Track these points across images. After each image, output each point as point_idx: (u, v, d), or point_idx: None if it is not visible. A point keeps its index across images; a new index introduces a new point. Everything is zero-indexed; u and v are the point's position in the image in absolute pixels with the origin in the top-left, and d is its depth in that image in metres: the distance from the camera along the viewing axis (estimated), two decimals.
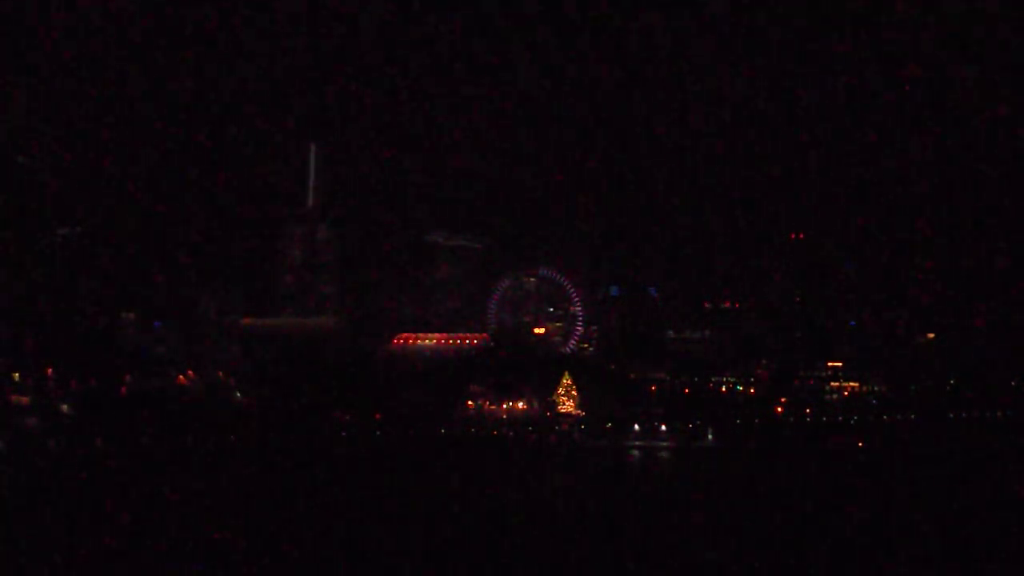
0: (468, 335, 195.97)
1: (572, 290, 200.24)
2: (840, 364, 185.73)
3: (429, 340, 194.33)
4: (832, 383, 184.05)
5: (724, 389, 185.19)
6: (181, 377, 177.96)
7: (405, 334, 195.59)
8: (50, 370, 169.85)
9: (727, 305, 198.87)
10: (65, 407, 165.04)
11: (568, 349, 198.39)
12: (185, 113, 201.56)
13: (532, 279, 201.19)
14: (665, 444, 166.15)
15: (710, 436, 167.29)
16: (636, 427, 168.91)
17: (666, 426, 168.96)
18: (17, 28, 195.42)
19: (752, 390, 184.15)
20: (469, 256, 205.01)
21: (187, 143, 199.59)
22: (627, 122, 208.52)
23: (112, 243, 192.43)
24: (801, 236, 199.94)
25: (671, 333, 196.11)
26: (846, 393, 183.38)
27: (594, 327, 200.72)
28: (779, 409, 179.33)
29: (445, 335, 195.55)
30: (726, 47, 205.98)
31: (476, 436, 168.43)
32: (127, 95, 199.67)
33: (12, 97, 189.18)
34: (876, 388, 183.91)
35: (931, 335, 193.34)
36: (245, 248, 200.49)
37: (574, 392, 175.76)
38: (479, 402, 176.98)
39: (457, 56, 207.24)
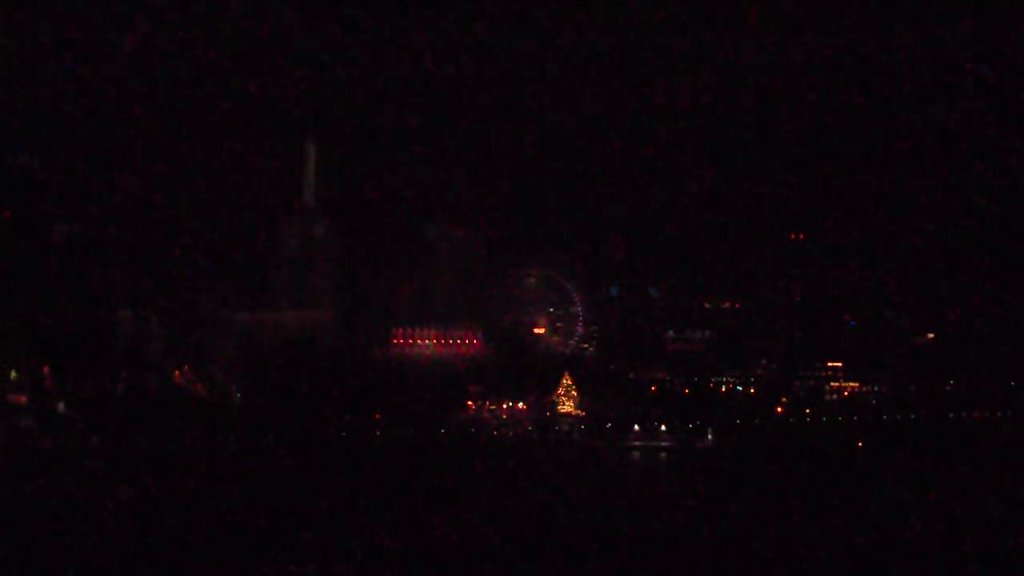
0: (467, 335, 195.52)
1: (572, 290, 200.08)
2: (840, 364, 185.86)
3: (428, 340, 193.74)
4: (832, 383, 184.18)
5: (724, 389, 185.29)
6: (177, 373, 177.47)
7: (402, 330, 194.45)
8: (46, 368, 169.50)
9: (727, 305, 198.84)
10: (61, 405, 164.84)
11: (568, 349, 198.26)
12: (180, 108, 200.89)
13: (532, 278, 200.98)
14: (665, 444, 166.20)
15: (710, 436, 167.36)
16: (636, 427, 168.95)
17: (666, 426, 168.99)
18: (15, 27, 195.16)
19: (752, 390, 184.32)
20: (468, 252, 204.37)
21: (182, 138, 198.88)
22: (627, 120, 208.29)
23: (107, 239, 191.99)
24: (801, 236, 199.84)
25: (671, 333, 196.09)
26: (846, 393, 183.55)
27: (594, 327, 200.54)
28: (779, 409, 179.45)
29: (443, 334, 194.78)
30: (728, 44, 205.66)
31: (476, 436, 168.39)
32: (120, 90, 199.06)
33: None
34: (876, 388, 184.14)
35: (931, 335, 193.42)
36: (241, 243, 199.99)
37: (574, 392, 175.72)
38: (479, 403, 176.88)
39: (455, 49, 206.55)
